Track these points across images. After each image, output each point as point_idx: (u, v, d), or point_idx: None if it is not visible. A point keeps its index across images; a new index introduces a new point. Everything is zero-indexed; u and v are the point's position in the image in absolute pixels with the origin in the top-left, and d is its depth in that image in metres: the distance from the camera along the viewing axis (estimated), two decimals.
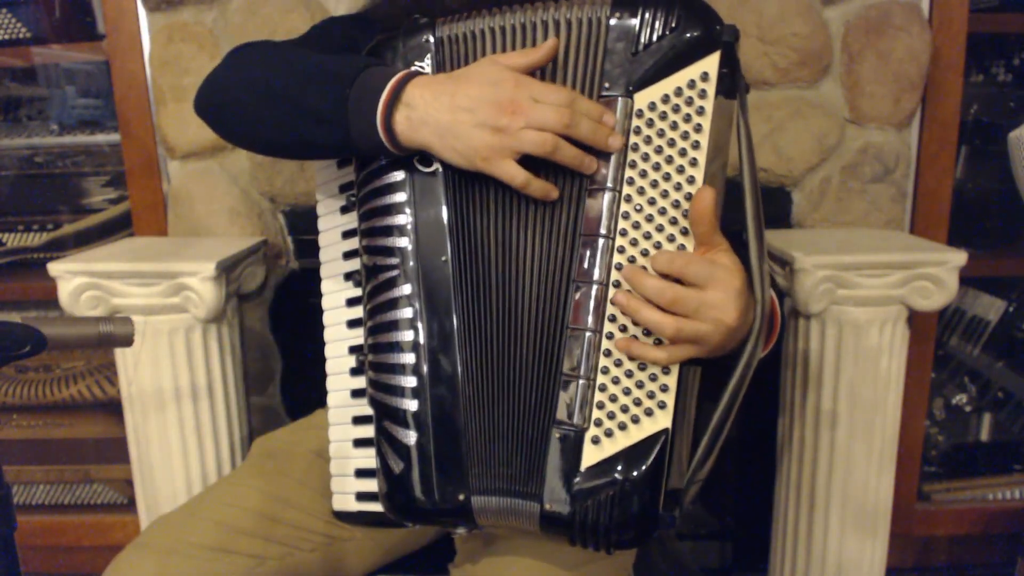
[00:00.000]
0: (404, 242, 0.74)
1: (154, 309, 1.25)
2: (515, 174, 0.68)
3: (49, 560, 1.73)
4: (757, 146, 1.44)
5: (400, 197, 0.74)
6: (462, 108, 0.67)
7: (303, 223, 1.52)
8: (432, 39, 0.75)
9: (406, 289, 0.74)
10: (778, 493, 1.44)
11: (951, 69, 1.46)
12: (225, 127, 0.83)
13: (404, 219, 0.74)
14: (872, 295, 1.26)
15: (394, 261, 0.75)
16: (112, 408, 1.73)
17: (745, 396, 0.71)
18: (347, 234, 0.82)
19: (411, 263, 0.74)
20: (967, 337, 1.74)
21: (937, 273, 1.24)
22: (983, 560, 1.72)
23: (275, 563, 0.85)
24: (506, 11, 0.73)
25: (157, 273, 1.24)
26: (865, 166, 1.47)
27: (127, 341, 0.69)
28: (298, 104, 0.73)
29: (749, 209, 0.70)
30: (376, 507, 0.79)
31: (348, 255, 0.82)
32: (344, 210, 0.82)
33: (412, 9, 0.78)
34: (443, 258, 0.74)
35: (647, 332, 0.68)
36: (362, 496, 0.81)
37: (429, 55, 0.75)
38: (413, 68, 0.74)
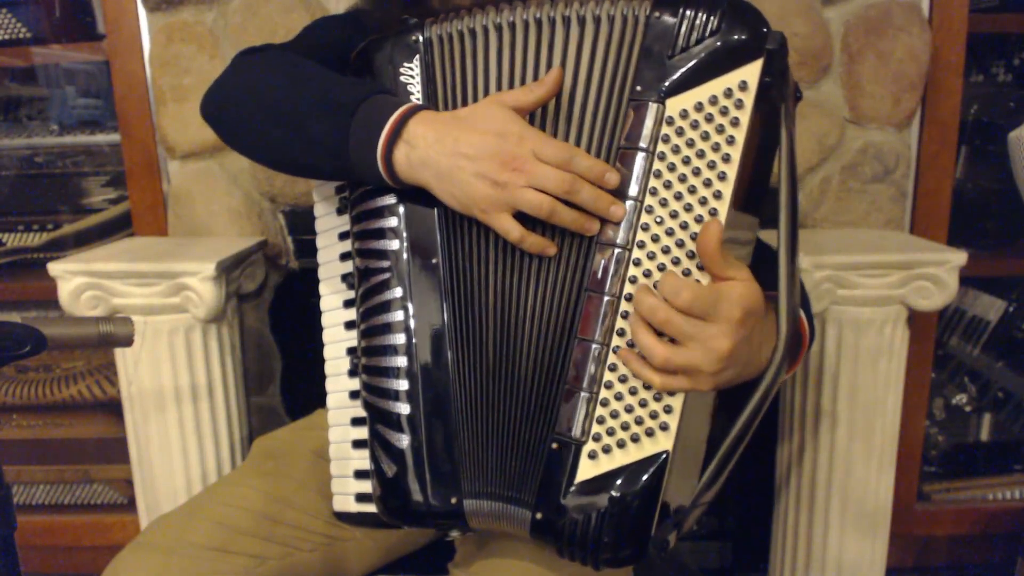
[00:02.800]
0: (395, 244, 0.73)
1: (154, 309, 1.25)
2: (510, 228, 0.66)
3: (49, 560, 1.73)
4: None
5: (391, 199, 0.74)
6: (463, 155, 0.65)
7: (303, 223, 1.51)
8: (420, 39, 0.73)
9: (398, 292, 0.73)
10: (778, 493, 1.44)
11: (951, 69, 1.46)
12: (229, 137, 0.83)
13: (396, 221, 0.73)
14: (872, 295, 1.26)
15: (385, 264, 0.74)
16: (112, 408, 1.72)
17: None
18: (344, 235, 0.81)
19: (403, 266, 0.73)
20: (967, 337, 1.74)
21: (937, 273, 1.24)
22: (983, 560, 1.72)
23: (275, 563, 0.85)
24: (517, 6, 0.70)
25: (157, 273, 1.24)
26: (865, 166, 1.47)
27: (127, 341, 0.70)
28: (300, 129, 0.72)
29: (783, 230, 0.65)
30: (376, 508, 0.79)
31: (345, 256, 0.81)
32: (340, 211, 0.82)
33: (404, 10, 0.77)
34: (433, 260, 0.72)
35: None
36: (362, 497, 0.80)
37: (417, 56, 0.73)
38: (416, 103, 0.71)
